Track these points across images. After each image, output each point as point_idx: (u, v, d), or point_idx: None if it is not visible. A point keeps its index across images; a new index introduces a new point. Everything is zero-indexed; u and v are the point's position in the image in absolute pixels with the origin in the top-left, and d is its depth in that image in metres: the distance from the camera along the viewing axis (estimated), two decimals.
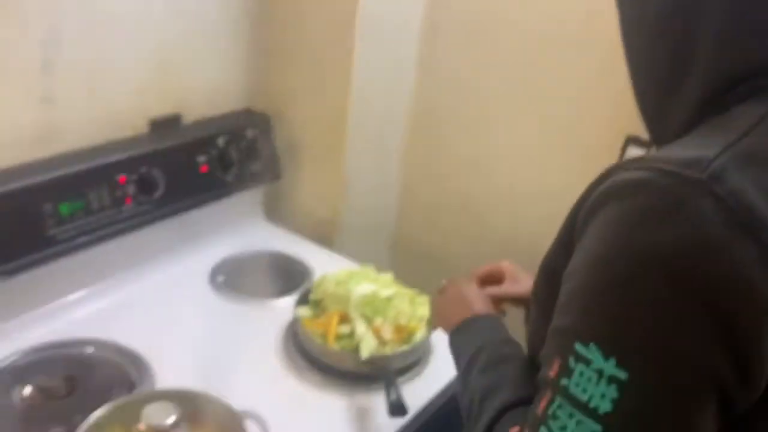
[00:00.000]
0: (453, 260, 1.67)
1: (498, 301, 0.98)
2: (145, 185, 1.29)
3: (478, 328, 0.85)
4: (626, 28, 0.66)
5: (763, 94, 0.58)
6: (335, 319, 1.17)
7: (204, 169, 1.39)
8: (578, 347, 0.53)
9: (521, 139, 1.48)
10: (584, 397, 0.53)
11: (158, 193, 1.31)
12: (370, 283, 1.21)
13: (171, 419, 0.84)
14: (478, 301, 0.90)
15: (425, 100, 1.61)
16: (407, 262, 1.65)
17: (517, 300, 0.99)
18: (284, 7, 1.47)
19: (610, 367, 0.52)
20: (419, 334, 1.18)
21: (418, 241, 1.68)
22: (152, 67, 1.34)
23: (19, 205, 1.12)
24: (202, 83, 1.45)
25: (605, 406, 0.52)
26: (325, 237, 1.61)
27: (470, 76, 1.53)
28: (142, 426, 0.83)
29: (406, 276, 1.34)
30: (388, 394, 0.99)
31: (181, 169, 1.36)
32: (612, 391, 0.52)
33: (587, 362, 0.53)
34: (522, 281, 1.00)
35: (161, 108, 1.38)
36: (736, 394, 0.52)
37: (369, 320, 1.16)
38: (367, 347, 1.12)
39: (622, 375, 0.51)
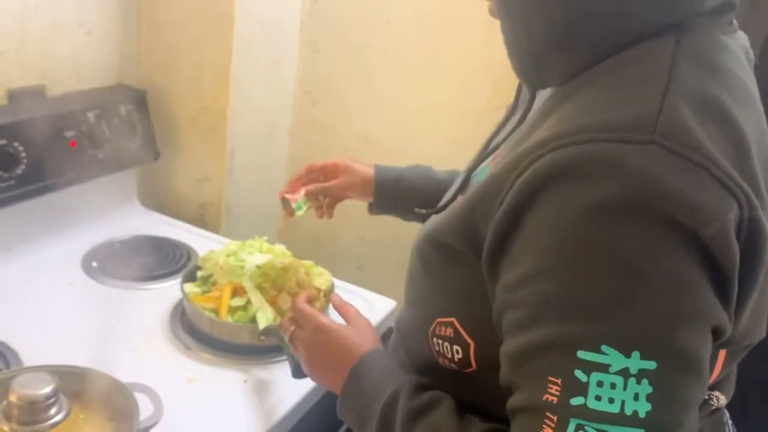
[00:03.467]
0: (343, 241, 1.64)
1: (334, 197, 1.07)
2: (5, 159, 1.16)
3: (372, 380, 0.69)
4: None
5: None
6: (227, 292, 1.09)
7: (73, 144, 1.28)
8: (584, 356, 0.47)
9: (410, 109, 1.48)
10: (614, 408, 0.46)
11: (20, 169, 1.18)
12: (264, 254, 1.15)
13: (47, 389, 0.74)
14: (349, 334, 0.76)
15: (312, 72, 1.58)
16: (297, 243, 1.59)
17: (354, 191, 1.05)
18: None
19: (635, 363, 0.47)
20: (318, 303, 1.13)
21: (308, 221, 1.63)
22: (9, 34, 1.21)
23: None
24: (67, 54, 1.33)
25: (644, 407, 0.46)
26: (209, 222, 1.53)
27: (356, 47, 1.52)
28: (13, 398, 0.72)
29: (299, 256, 1.29)
30: (290, 357, 0.93)
31: (47, 143, 1.23)
32: (645, 387, 0.46)
33: (603, 368, 0.47)
34: (359, 171, 1.04)
35: (22, 79, 1.26)
36: (726, 329, 0.51)
37: (264, 291, 1.10)
38: (265, 317, 1.06)
39: (651, 365, 0.46)
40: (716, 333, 0.51)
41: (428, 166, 1.06)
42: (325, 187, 1.07)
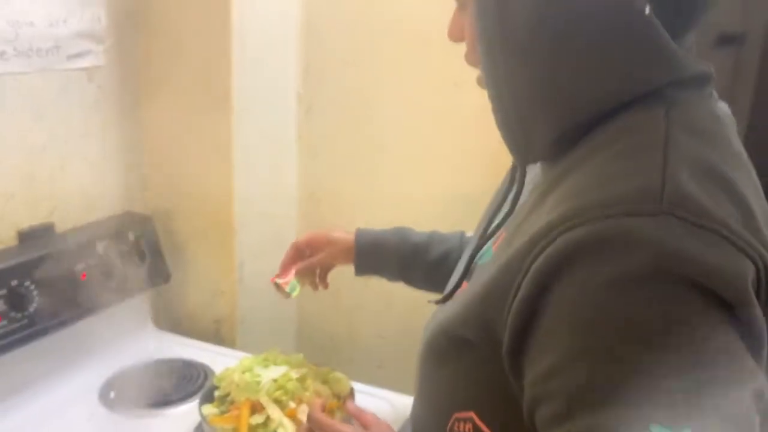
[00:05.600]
0: (361, 340, 1.62)
1: (323, 269, 1.14)
2: (17, 300, 1.17)
3: None
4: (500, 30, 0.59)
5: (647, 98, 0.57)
6: (246, 410, 1.07)
7: (84, 276, 1.29)
8: None
9: (412, 199, 1.50)
10: None
11: (33, 307, 1.20)
12: (280, 366, 1.14)
13: None
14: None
15: (313, 175, 1.62)
16: (315, 347, 1.58)
17: (339, 259, 1.12)
18: (153, 100, 1.44)
19: None
20: (339, 413, 1.10)
21: (324, 324, 1.62)
22: (18, 176, 1.25)
23: None
24: (75, 189, 1.37)
25: None
26: (224, 337, 1.52)
27: (354, 147, 1.56)
28: None
29: (316, 360, 1.27)
30: None
31: (58, 279, 1.25)
32: None
33: None
34: (339, 240, 1.11)
35: (32, 218, 1.29)
36: (765, 393, 0.49)
37: (283, 405, 1.08)
38: None
39: None
40: (756, 397, 0.49)
41: (408, 227, 1.12)
42: (312, 263, 1.13)
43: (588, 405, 0.47)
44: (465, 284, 0.72)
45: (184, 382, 1.31)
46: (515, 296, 0.54)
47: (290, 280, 1.12)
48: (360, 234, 1.12)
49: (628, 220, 0.49)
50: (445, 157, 1.46)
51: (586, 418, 0.47)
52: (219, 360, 1.37)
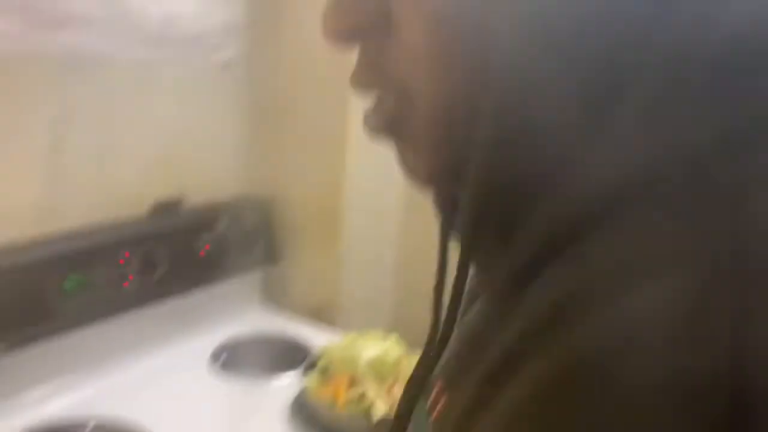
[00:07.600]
0: None
1: None
2: (147, 265, 1.30)
3: None
4: None
5: None
6: (344, 383, 1.14)
7: (203, 252, 1.41)
8: None
9: None
10: None
11: (158, 274, 1.32)
12: (378, 344, 1.20)
13: None
14: None
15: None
16: (413, 332, 1.63)
17: None
18: (278, 95, 1.55)
19: None
20: None
21: (422, 318, 1.67)
22: (157, 154, 1.39)
23: (23, 279, 1.12)
24: (203, 170, 1.50)
25: None
26: (325, 319, 1.60)
27: None
28: None
29: (414, 344, 1.33)
30: None
31: (182, 251, 1.37)
32: None
33: None
34: None
35: (164, 192, 1.41)
36: None
37: (380, 381, 1.14)
38: (380, 409, 1.10)
39: None
40: None
41: None
42: None
43: None
44: None
45: (287, 355, 1.40)
46: None
47: None
48: None
49: None
50: None
51: None
52: (320, 338, 1.45)
